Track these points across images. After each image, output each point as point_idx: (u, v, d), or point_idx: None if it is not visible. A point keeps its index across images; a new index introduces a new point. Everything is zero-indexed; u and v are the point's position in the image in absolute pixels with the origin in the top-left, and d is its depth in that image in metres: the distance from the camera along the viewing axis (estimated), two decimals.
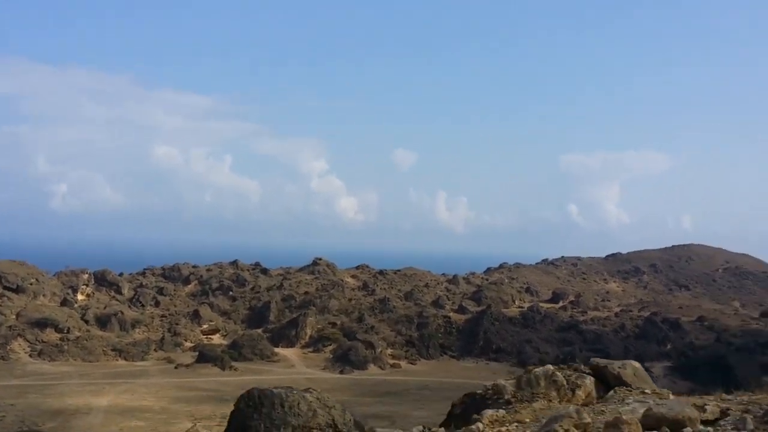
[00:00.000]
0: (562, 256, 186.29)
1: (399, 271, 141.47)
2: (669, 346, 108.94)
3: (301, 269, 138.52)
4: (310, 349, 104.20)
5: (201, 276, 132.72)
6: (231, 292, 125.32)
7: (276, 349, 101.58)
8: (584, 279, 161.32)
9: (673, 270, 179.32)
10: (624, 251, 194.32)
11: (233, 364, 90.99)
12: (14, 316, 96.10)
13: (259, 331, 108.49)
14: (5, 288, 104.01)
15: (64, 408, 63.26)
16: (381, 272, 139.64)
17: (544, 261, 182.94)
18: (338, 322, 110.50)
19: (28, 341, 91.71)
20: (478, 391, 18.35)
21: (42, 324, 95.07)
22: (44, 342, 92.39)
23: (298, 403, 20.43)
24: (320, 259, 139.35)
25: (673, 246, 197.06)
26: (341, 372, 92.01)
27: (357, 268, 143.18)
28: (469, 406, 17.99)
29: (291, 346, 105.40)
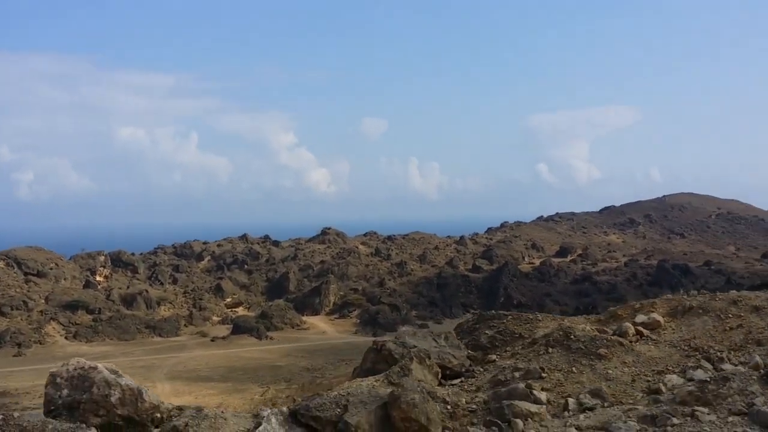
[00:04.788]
0: (557, 213, 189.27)
1: (407, 235, 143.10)
2: (682, 291, 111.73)
3: (311, 239, 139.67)
4: (336, 316, 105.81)
5: (213, 252, 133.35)
6: (246, 266, 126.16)
7: (303, 317, 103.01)
8: (584, 233, 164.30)
9: (667, 219, 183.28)
10: (613, 204, 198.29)
11: (268, 333, 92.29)
12: (43, 301, 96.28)
13: (281, 301, 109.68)
14: (27, 274, 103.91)
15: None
16: (389, 238, 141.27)
17: (540, 218, 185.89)
18: (360, 288, 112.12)
19: (61, 324, 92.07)
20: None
21: (73, 306, 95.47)
22: (77, 324, 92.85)
23: None
24: (329, 229, 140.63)
25: (664, 196, 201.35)
26: (374, 335, 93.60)
27: (365, 235, 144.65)
28: None
29: (316, 314, 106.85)
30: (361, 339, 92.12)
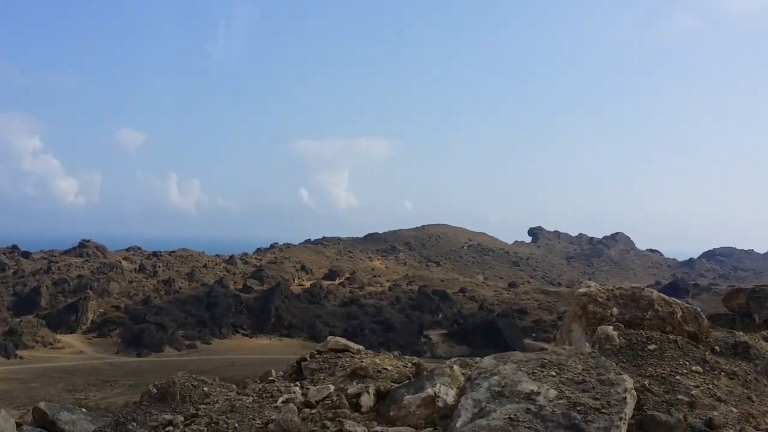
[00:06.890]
0: (324, 237, 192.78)
1: (173, 252, 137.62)
2: (441, 315, 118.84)
3: (66, 252, 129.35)
4: (94, 334, 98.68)
5: None
6: None
7: (57, 336, 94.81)
8: (351, 257, 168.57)
9: (425, 248, 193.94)
10: (376, 231, 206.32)
11: (17, 352, 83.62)
12: None
13: (32, 317, 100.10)
14: None
15: None
16: (155, 254, 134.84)
17: (308, 241, 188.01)
18: (122, 305, 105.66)
19: None
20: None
21: None
22: None
23: None
24: (88, 241, 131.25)
25: (423, 226, 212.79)
26: (138, 355, 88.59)
27: (128, 250, 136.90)
28: None
29: (72, 332, 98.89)
30: (123, 359, 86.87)
